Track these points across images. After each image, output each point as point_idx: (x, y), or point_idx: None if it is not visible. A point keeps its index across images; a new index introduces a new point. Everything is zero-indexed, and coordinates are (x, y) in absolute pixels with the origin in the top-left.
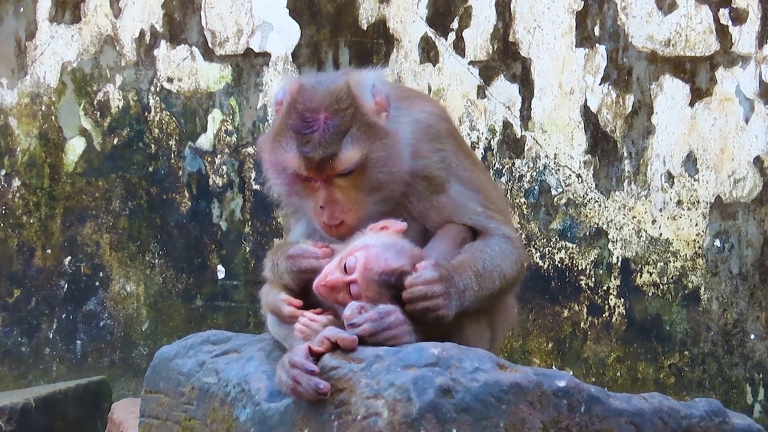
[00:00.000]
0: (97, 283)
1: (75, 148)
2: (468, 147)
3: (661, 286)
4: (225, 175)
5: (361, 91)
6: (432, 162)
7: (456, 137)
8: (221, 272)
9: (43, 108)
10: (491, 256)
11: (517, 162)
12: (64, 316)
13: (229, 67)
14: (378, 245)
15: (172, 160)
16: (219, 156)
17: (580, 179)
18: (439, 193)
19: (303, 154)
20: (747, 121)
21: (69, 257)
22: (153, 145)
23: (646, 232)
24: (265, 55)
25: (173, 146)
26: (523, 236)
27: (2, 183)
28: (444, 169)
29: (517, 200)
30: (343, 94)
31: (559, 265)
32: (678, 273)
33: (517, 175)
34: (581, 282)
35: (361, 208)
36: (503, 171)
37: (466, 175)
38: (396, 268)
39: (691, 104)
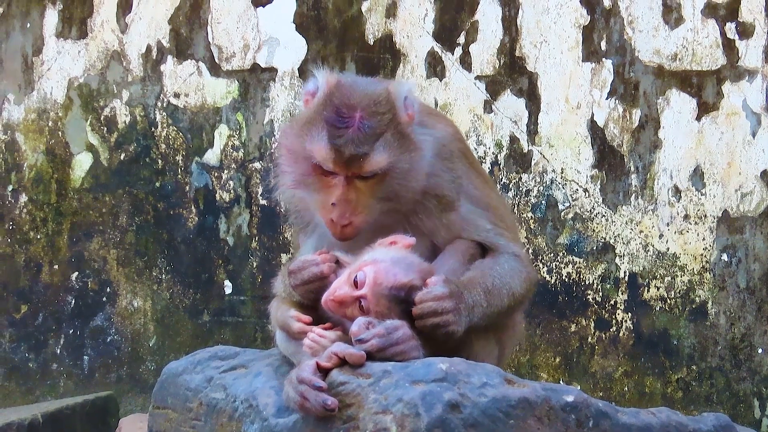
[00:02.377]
0: (104, 299)
1: (82, 163)
2: (479, 165)
3: (669, 301)
4: (232, 191)
5: (399, 100)
6: (443, 181)
7: (468, 156)
8: (228, 287)
9: (50, 123)
10: (500, 274)
11: (524, 177)
12: (71, 331)
13: (236, 82)
14: (387, 260)
15: (179, 176)
16: (226, 171)
17: (587, 194)
18: (449, 211)
19: (334, 146)
20: (754, 135)
21: (76, 273)
22: (160, 161)
23: (653, 246)
24: (272, 70)
25: (180, 161)
26: (530, 251)
27: (9, 199)
28: (454, 188)
29: (524, 215)
30: (382, 98)
31: (567, 279)
32: (685, 287)
33: (524, 190)
34: (588, 296)
35: (371, 213)
36: (510, 186)
37: (476, 194)
38: (405, 283)
39: (698, 118)
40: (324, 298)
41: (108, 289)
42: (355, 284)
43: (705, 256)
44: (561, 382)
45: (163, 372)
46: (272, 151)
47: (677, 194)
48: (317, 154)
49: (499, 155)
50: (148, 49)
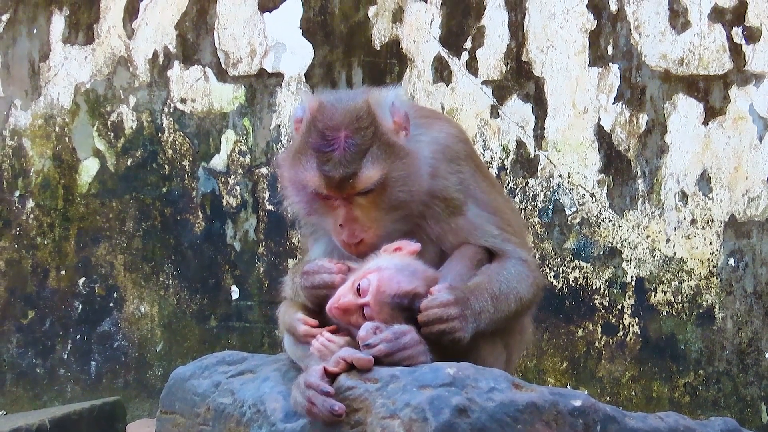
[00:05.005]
0: (111, 304)
1: (89, 169)
2: (486, 168)
3: (676, 305)
4: (239, 196)
5: (381, 109)
6: (450, 184)
7: (474, 159)
8: (235, 293)
9: (57, 129)
10: (507, 279)
11: (531, 181)
12: (78, 337)
13: (243, 87)
14: (391, 267)
15: (186, 181)
16: (233, 176)
17: (593, 198)
18: (457, 215)
19: (323, 172)
20: (761, 139)
21: (83, 278)
22: (167, 166)
23: (660, 251)
24: (279, 76)
25: (187, 167)
26: (537, 256)
27: (16, 204)
28: (462, 191)
29: (531, 220)
30: (363, 112)
31: (573, 284)
32: (692, 292)
33: (530, 195)
34: (595, 301)
35: (381, 226)
36: (517, 190)
37: (483, 198)
38: (409, 291)
39: (705, 123)
40: (328, 305)
41: (115, 295)
42: (359, 292)
43: (712, 261)
44: (568, 386)
45: (171, 377)
46: (277, 155)
47: (684, 199)
48: (310, 183)
49: (505, 160)
50: (155, 54)
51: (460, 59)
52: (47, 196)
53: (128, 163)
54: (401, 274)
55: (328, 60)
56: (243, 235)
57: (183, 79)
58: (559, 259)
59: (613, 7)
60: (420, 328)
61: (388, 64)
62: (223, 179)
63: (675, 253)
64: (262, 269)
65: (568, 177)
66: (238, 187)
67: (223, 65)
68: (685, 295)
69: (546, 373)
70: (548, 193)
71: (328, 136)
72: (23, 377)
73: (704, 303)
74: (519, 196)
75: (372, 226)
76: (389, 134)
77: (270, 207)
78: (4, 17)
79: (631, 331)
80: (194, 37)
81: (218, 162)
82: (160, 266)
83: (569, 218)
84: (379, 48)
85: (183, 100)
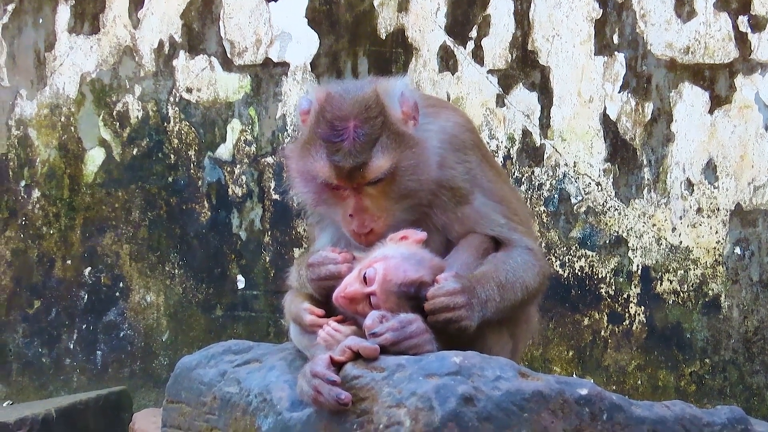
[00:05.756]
0: (117, 294)
1: (94, 158)
2: (492, 157)
3: (682, 294)
4: (244, 185)
5: (390, 99)
6: (457, 173)
7: (481, 148)
8: (241, 282)
9: (63, 119)
10: (514, 268)
11: (537, 170)
12: (84, 326)
13: (248, 77)
14: (397, 256)
15: (192, 171)
16: (238, 166)
17: (599, 187)
18: (463, 205)
19: (333, 162)
20: (767, 128)
21: (89, 268)
22: (172, 156)
23: (666, 239)
24: (284, 65)
25: (192, 156)
26: (543, 244)
27: (22, 194)
28: (468, 180)
29: (537, 209)
30: (372, 102)
31: (579, 273)
32: (698, 281)
33: (536, 184)
34: (601, 290)
35: (390, 215)
36: (523, 179)
37: (489, 187)
38: (415, 279)
39: (711, 112)
40: (335, 294)
41: (121, 284)
42: (365, 281)
43: (718, 250)
44: (574, 375)
45: (177, 366)
46: (283, 146)
47: (690, 187)
48: (320, 173)
49: (511, 149)
50: (161, 44)
51: (465, 48)
52: (53, 186)
53: (134, 152)
54: (407, 263)
55: (333, 49)
56: (249, 224)
57: (188, 68)
58: (564, 248)
59: None
60: (426, 317)
61: (394, 53)
62: (228, 169)
63: (681, 242)
64: (267, 258)
65: (574, 166)
66: (243, 177)
67: (228, 55)
68: (691, 284)
69: (552, 362)
70: (554, 182)
71: (337, 126)
72: (29, 367)
73: (710, 292)
74: (525, 185)
75: (382, 215)
76: (398, 124)
77: (276, 196)
78: (10, 7)
79: (637, 320)
80: (200, 27)
81: (224, 151)
82: (166, 256)
83: (575, 207)
84: (384, 37)
85: (189, 90)
